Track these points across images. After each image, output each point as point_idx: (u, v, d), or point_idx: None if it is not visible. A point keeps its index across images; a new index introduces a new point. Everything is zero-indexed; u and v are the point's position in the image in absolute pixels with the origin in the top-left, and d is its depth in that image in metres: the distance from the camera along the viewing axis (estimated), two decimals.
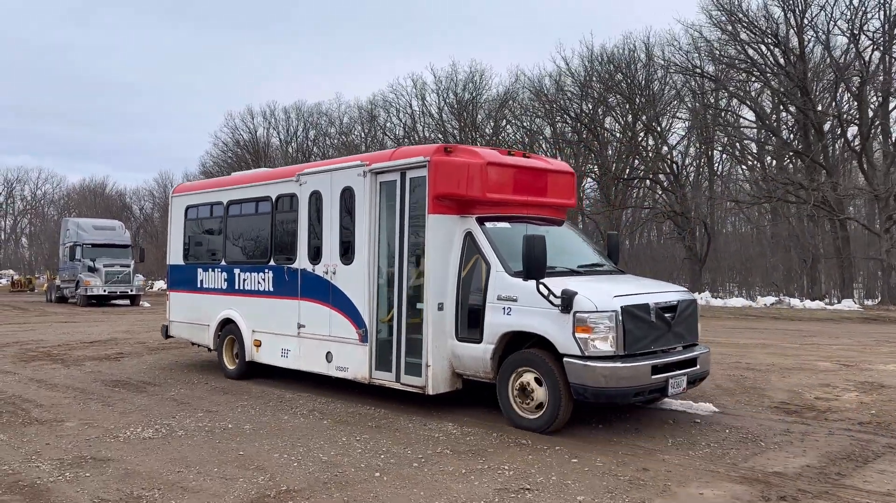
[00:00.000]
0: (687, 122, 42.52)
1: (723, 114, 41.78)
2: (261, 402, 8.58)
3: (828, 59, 36.02)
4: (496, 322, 7.44)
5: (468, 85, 50.89)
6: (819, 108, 36.02)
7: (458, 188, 7.87)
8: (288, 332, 9.67)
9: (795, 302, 30.45)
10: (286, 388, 9.41)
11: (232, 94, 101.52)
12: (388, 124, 56.83)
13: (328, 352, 9.06)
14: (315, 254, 9.31)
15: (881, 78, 34.66)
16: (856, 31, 34.64)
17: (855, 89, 35.28)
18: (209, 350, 11.56)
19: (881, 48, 33.83)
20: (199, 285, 11.41)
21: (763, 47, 37.29)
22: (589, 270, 8.15)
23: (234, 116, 70.51)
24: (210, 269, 11.19)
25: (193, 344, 11.96)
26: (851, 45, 35.08)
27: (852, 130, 36.71)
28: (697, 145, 43.92)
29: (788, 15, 36.02)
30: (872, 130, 35.20)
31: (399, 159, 8.28)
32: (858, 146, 35.09)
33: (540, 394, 7.10)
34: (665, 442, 6.71)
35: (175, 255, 12.06)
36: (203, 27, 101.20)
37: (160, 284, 52.66)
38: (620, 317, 6.81)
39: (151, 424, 7.47)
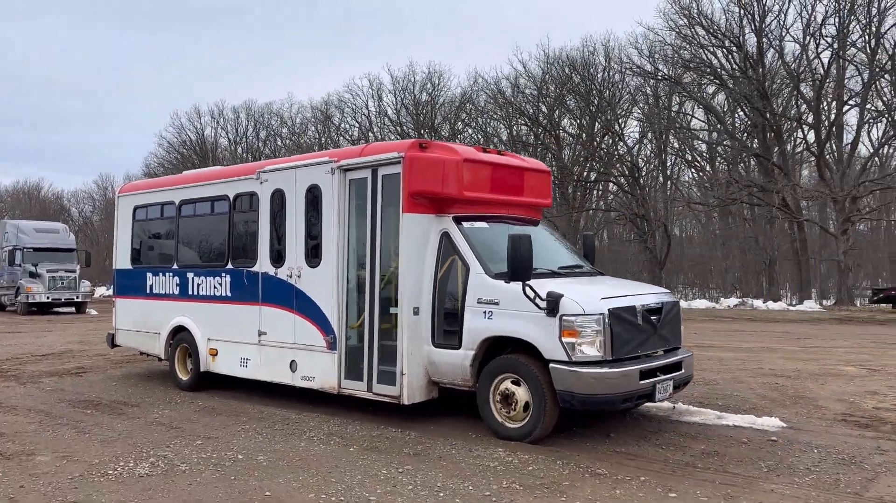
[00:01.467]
0: (642, 124, 42.92)
1: (677, 116, 42.35)
2: (264, 425, 7.71)
3: (785, 64, 36.76)
4: (476, 327, 7.01)
5: (426, 86, 50.53)
6: (778, 111, 36.67)
7: (434, 186, 7.42)
8: (247, 340, 9.06)
9: (758, 303, 30.89)
10: (286, 407, 8.58)
11: (178, 94, 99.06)
12: (343, 125, 56.06)
13: (292, 361, 8.49)
14: (278, 257, 8.74)
15: (832, 84, 35.56)
16: (807, 39, 35.51)
17: (811, 94, 36.05)
18: (159, 360, 10.85)
19: (837, 54, 34.62)
20: (148, 291, 10.69)
21: (720, 51, 37.88)
22: (569, 272, 7.79)
23: (180, 116, 68.70)
24: (161, 274, 10.49)
25: (142, 353, 11.22)
26: (803, 53, 35.92)
27: (809, 134, 37.58)
28: (650, 147, 44.44)
29: (744, 21, 36.64)
30: (826, 133, 36.03)
31: (370, 155, 7.79)
32: (816, 149, 35.84)
33: (523, 401, 6.69)
34: (757, 467, 5.98)
35: (122, 259, 11.30)
36: (145, 27, 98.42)
37: (102, 290, 50.81)
38: (608, 321, 6.45)
39: (144, 457, 6.48)
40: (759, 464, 6.03)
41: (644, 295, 7.12)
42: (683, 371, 7.24)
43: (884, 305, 29.80)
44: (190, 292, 9.95)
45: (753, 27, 36.82)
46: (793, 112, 38.42)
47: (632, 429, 7.25)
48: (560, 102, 43.39)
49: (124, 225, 11.25)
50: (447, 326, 7.35)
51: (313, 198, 8.32)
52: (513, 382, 6.77)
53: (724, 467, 5.95)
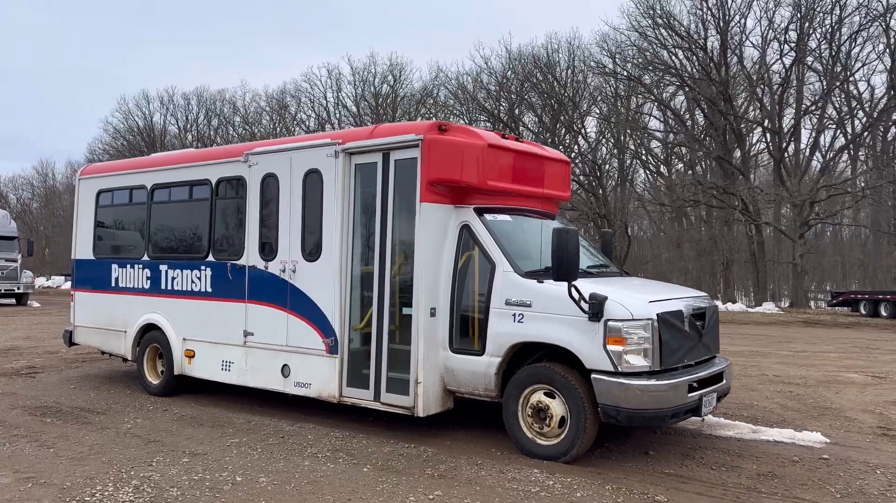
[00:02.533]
0: (601, 122, 42.86)
1: (635, 115, 42.42)
2: (256, 439, 6.79)
3: (743, 69, 37.06)
4: (504, 331, 6.28)
5: (387, 78, 49.58)
6: (740, 113, 36.92)
7: (454, 173, 6.65)
8: (231, 341, 8.14)
9: (717, 304, 30.98)
10: (276, 416, 7.69)
11: (124, 80, 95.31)
12: (300, 115, 54.68)
13: (284, 366, 7.61)
14: (269, 249, 7.83)
15: (793, 89, 36.01)
16: (766, 44, 35.85)
17: (772, 99, 36.42)
18: (124, 361, 9.81)
19: (798, 60, 34.98)
20: (113, 284, 9.63)
21: (682, 52, 37.94)
22: (599, 271, 7.12)
23: (127, 101, 66.24)
24: (128, 265, 9.45)
25: (104, 353, 10.15)
26: (762, 58, 36.25)
27: (764, 136, 37.97)
28: (608, 146, 44.45)
29: (708, 23, 36.75)
30: (788, 138, 36.48)
31: (382, 137, 6.97)
32: (776, 154, 36.21)
33: (558, 416, 5.98)
34: (826, 491, 5.40)
35: (83, 248, 10.18)
36: (87, 10, 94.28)
37: (42, 281, 48.32)
38: (657, 326, 5.80)
39: (124, 478, 5.49)
40: (828, 488, 5.46)
41: (687, 298, 6.50)
42: (724, 382, 6.65)
43: (840, 308, 30.26)
44: (163, 286, 8.95)
45: (718, 29, 37.00)
46: (753, 115, 38.80)
47: (669, 445, 6.63)
48: (521, 99, 43.00)
49: (86, 211, 10.14)
50: (468, 330, 6.60)
51: (312, 184, 7.45)
52: (546, 394, 6.06)
53: (791, 492, 5.36)
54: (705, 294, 6.99)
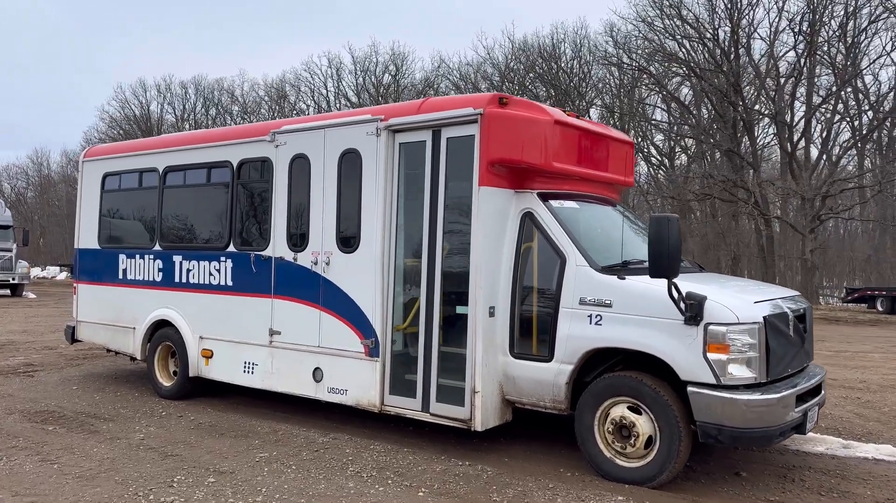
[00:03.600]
0: (604, 112, 42.02)
1: (639, 107, 41.57)
2: (287, 452, 5.99)
3: (751, 61, 36.23)
4: (577, 334, 5.47)
5: (389, 67, 48.67)
6: (751, 106, 36.13)
7: (518, 152, 5.83)
8: (255, 341, 7.32)
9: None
10: (304, 424, 6.91)
11: (121, 68, 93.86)
12: (299, 105, 53.68)
13: (316, 369, 6.80)
14: (298, 239, 7.00)
15: (805, 83, 35.22)
16: (778, 36, 35.04)
17: (786, 91, 35.64)
18: (133, 360, 8.98)
19: (810, 53, 34.17)
20: (121, 276, 8.79)
21: (690, 43, 37.08)
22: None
23: (124, 89, 65.00)
24: (138, 256, 8.60)
25: (110, 351, 9.31)
26: (770, 51, 35.41)
27: (775, 129, 37.18)
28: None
29: (719, 14, 35.87)
30: (802, 132, 35.73)
31: (432, 112, 6.13)
32: (787, 147, 35.47)
33: (645, 435, 5.18)
34: None
35: (87, 237, 9.32)
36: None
37: (37, 271, 47.32)
38: (764, 331, 5.00)
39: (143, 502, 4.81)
40: None
41: (786, 298, 5.69)
42: (823, 392, 5.87)
43: (853, 305, 29.55)
44: (177, 279, 8.10)
45: (729, 17, 36.14)
46: (762, 108, 38.01)
47: (757, 464, 5.84)
48: (524, 90, 42.13)
49: (90, 196, 9.28)
50: (532, 332, 5.80)
51: (349, 166, 6.62)
52: (630, 408, 5.26)
53: None
54: (798, 293, 6.19)
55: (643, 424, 5.18)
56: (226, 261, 7.64)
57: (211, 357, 7.75)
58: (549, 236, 5.73)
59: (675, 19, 36.49)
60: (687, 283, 5.19)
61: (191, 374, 7.89)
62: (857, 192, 35.91)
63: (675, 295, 4.92)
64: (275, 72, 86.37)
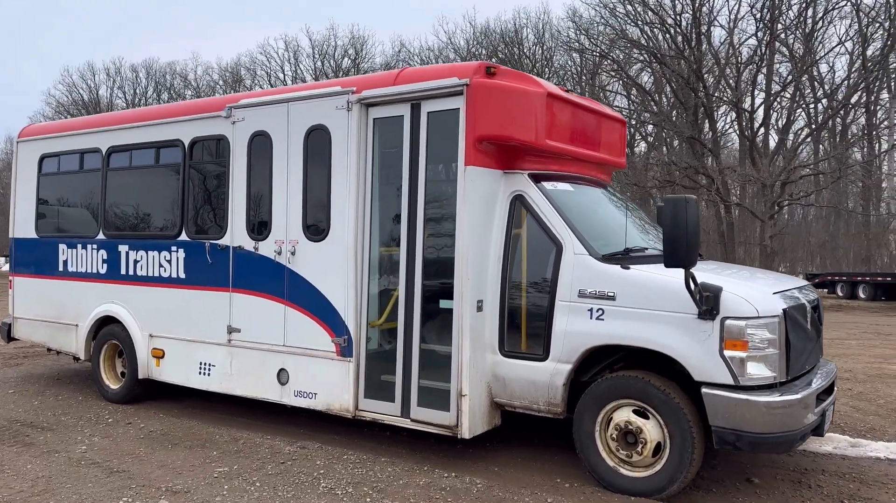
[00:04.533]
0: None
1: (600, 94, 41.33)
2: (250, 466, 5.29)
3: (711, 47, 36.24)
4: (577, 330, 4.91)
5: (348, 51, 47.59)
6: (713, 93, 36.13)
7: (509, 128, 5.23)
8: (211, 339, 6.61)
9: None
10: (267, 430, 6.27)
11: (68, 50, 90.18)
12: (255, 89, 52.20)
13: (281, 370, 6.13)
14: (260, 227, 6.31)
15: (765, 69, 35.35)
16: (738, 24, 35.12)
17: (745, 78, 35.73)
18: (76, 360, 8.17)
19: (771, 38, 34.26)
20: (61, 268, 7.96)
21: (649, 29, 36.90)
22: None
23: (71, 72, 62.59)
24: (79, 246, 7.78)
25: (51, 350, 8.47)
26: (730, 38, 35.46)
27: (735, 116, 37.31)
28: None
29: (678, 3, 35.72)
30: (762, 119, 35.92)
31: (410, 83, 5.48)
32: (747, 133, 35.62)
33: (653, 442, 4.66)
34: None
35: (23, 225, 8.45)
36: None
37: None
38: (784, 325, 4.52)
39: None
40: None
41: (799, 287, 5.22)
42: (835, 390, 5.44)
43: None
44: (123, 271, 7.32)
45: (693, 6, 36.03)
46: (723, 94, 38.10)
47: (766, 467, 5.38)
48: None
49: (26, 180, 8.40)
50: (524, 328, 5.23)
51: (317, 144, 5.94)
52: (636, 412, 4.73)
53: None
54: (807, 283, 5.73)
55: (651, 430, 4.66)
56: (177, 252, 6.90)
57: (162, 357, 7.01)
58: (543, 222, 5.16)
59: (636, 5, 36.26)
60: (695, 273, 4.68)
61: (140, 376, 7.14)
62: (814, 179, 36.32)
63: (693, 287, 4.38)
64: (230, 55, 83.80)
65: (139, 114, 7.68)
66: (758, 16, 34.33)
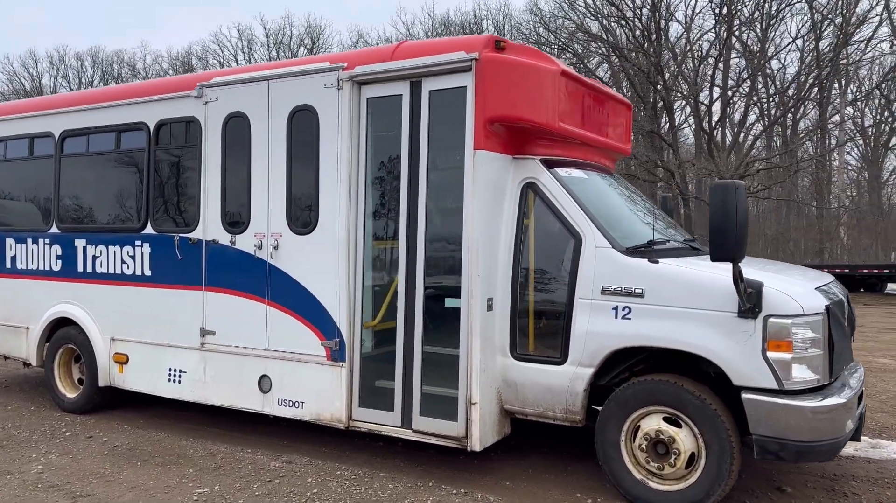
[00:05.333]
0: None
1: None
2: (233, 485, 4.72)
3: (668, 42, 36.40)
4: (600, 331, 4.48)
5: (304, 41, 46.50)
6: (672, 87, 36.30)
7: (523, 109, 4.75)
8: (182, 343, 5.99)
9: None
10: (246, 442, 5.73)
11: (5, 41, 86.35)
12: None
13: (263, 377, 5.56)
14: (236, 218, 5.71)
15: (722, 65, 35.68)
16: (693, 17, 35.36)
17: (702, 73, 35.98)
18: (26, 366, 7.42)
19: (725, 35, 34.54)
20: (9, 265, 7.20)
21: (607, 21, 36.90)
22: (694, 248, 5.37)
23: (11, 60, 59.80)
24: (30, 241, 7.04)
25: None
26: (686, 33, 35.69)
27: (693, 110, 37.61)
28: None
29: None
30: (721, 114, 36.26)
31: (410, 59, 4.96)
32: (704, 128, 35.90)
33: (687, 452, 4.25)
34: None
35: None
36: None
37: None
38: (827, 324, 4.17)
39: None
40: None
41: (831, 282, 4.88)
42: (864, 390, 5.12)
43: None
44: (80, 269, 6.62)
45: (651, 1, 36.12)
46: (682, 91, 38.36)
47: (792, 474, 5.04)
48: None
49: None
50: (540, 329, 4.78)
51: (302, 126, 5.37)
52: (667, 420, 4.32)
53: None
54: (833, 278, 5.40)
55: (685, 439, 4.25)
56: (142, 246, 6.24)
57: (126, 363, 6.35)
58: (560, 212, 4.70)
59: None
60: (706, 265, 4.31)
61: (101, 384, 6.47)
62: (768, 173, 36.87)
63: (741, 283, 3.97)
64: (180, 43, 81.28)
65: (97, 94, 6.97)
66: (716, 10, 34.54)
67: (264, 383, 5.55)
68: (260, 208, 5.57)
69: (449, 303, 4.81)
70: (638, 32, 35.70)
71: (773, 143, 40.79)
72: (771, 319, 4.02)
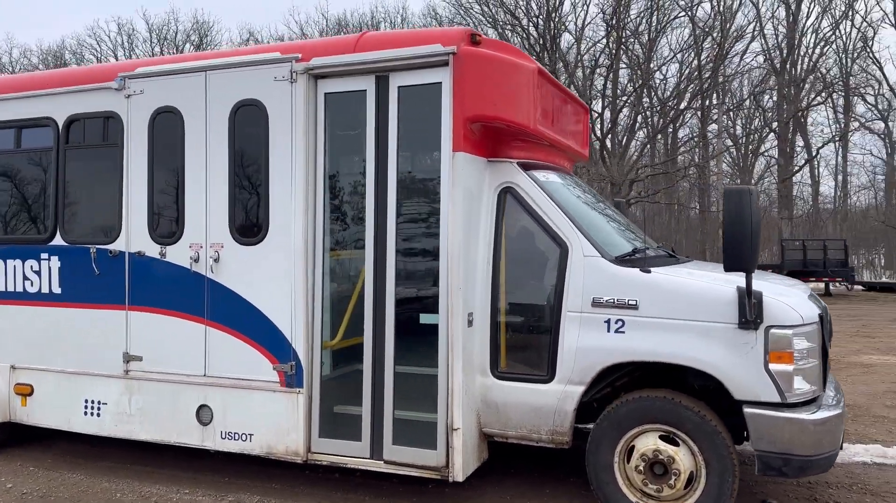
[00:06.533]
0: None
1: None
2: None
3: (560, 52, 37.37)
4: (592, 346, 4.19)
5: (191, 37, 44.35)
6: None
7: (503, 109, 4.40)
8: (100, 370, 5.23)
9: None
10: (181, 480, 5.07)
11: None
12: None
13: (202, 407, 4.91)
14: (167, 226, 5.03)
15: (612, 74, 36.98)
16: (583, 27, 36.54)
17: (590, 82, 37.09)
18: None
19: (615, 46, 35.78)
20: None
21: (501, 30, 37.46)
22: (667, 256, 5.20)
23: None
24: None
25: None
26: (578, 42, 36.79)
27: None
28: None
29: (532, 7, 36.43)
30: (612, 120, 37.50)
31: (376, 51, 4.49)
32: (599, 135, 37.03)
33: (686, 472, 4.03)
34: None
35: None
36: None
37: None
38: (821, 333, 4.08)
39: None
40: None
41: (810, 289, 4.83)
42: None
43: None
44: None
45: (546, 8, 36.91)
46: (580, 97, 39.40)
47: (773, 485, 4.95)
48: None
49: None
50: (524, 345, 4.45)
51: (248, 123, 4.80)
52: (663, 438, 4.09)
53: None
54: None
55: (683, 458, 4.04)
56: (50, 260, 5.42)
57: (30, 394, 5.48)
58: (542, 219, 4.39)
59: (492, 6, 36.60)
60: (686, 272, 4.16)
61: (0, 420, 5.57)
62: (653, 178, 38.55)
63: (752, 295, 3.79)
64: (52, 37, 75.64)
65: None
66: (609, 21, 35.72)
67: (204, 414, 4.90)
68: (196, 216, 4.92)
69: (424, 319, 4.39)
70: (532, 41, 36.39)
71: (657, 151, 42.75)
72: (772, 330, 3.87)
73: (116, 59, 46.03)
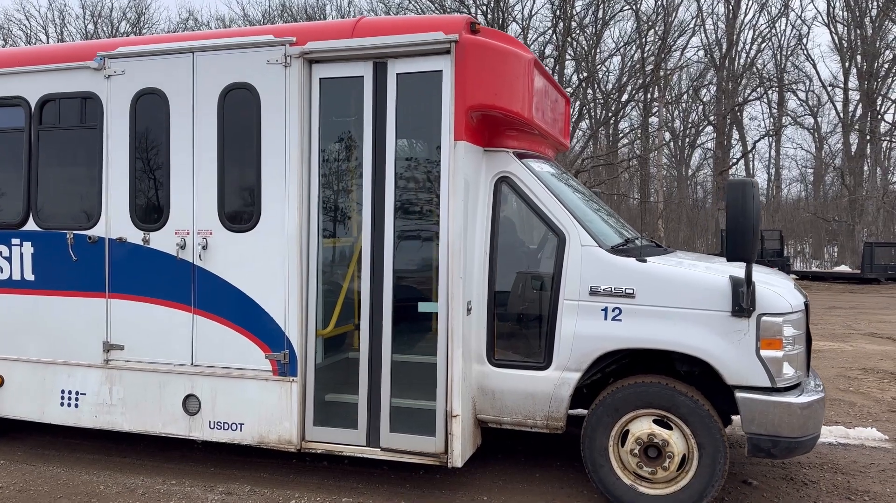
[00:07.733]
0: None
1: None
2: None
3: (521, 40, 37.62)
4: (589, 333, 4.29)
5: (128, 14, 42.78)
6: None
7: (503, 98, 4.43)
8: (78, 360, 5.06)
9: None
10: (168, 470, 4.99)
11: None
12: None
13: (189, 397, 4.82)
14: (151, 211, 4.89)
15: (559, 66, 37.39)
16: (529, 19, 36.81)
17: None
18: None
19: (561, 38, 36.15)
20: None
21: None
22: (654, 246, 5.34)
23: None
24: None
25: None
26: (524, 33, 37.08)
27: None
28: None
29: None
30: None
31: (374, 37, 4.45)
32: None
33: (679, 454, 4.17)
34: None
35: None
36: None
37: None
38: (806, 320, 4.28)
39: None
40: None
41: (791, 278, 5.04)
42: None
43: None
44: None
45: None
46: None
47: (753, 466, 5.16)
48: None
49: None
50: (520, 333, 4.52)
51: (238, 107, 4.69)
52: (657, 422, 4.22)
53: None
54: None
55: (676, 441, 4.18)
56: (22, 246, 5.20)
57: (1, 385, 5.27)
58: (539, 208, 4.45)
59: None
60: (676, 262, 4.32)
61: None
62: (595, 169, 39.37)
63: (751, 284, 3.94)
64: None
65: None
66: (556, 12, 36.05)
67: (191, 404, 4.81)
68: (182, 202, 4.80)
69: (423, 307, 4.40)
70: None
71: (599, 142, 43.58)
72: (764, 318, 4.03)
73: (47, 36, 44.07)
